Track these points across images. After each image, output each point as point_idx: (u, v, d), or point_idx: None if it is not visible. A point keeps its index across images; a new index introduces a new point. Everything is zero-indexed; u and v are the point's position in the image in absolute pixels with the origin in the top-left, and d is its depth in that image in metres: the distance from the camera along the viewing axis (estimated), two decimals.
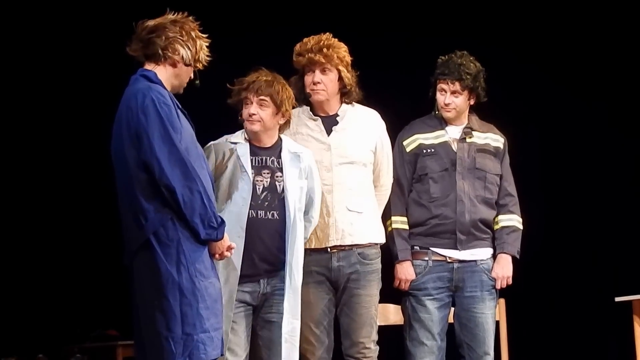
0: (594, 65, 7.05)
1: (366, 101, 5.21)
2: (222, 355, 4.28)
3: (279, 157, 4.88)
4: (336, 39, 5.09)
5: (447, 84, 5.21)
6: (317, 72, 5.05)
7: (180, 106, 4.28)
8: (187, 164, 4.12)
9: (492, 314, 5.27)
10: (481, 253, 5.27)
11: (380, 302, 5.16)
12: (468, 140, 5.27)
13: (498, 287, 5.27)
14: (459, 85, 5.20)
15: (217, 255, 4.28)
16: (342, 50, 5.08)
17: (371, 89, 5.21)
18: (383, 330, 5.23)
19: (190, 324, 4.09)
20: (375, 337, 5.09)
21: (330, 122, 5.12)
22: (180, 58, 4.30)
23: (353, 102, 5.17)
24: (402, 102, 6.18)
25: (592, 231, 7.10)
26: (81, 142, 6.91)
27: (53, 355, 6.42)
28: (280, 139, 4.92)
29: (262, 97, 4.82)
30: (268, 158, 4.87)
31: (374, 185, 5.18)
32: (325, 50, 5.02)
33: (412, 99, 5.64)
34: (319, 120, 5.12)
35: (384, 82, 6.49)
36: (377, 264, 5.11)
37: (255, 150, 4.87)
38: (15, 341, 6.55)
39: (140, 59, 4.30)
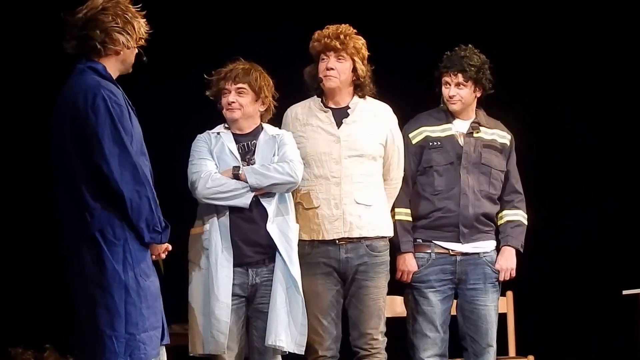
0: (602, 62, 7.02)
1: (379, 95, 5.21)
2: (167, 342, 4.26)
3: (257, 139, 4.90)
4: (355, 31, 5.09)
5: (450, 76, 5.22)
6: (332, 58, 5.04)
7: (130, 103, 4.17)
8: (138, 168, 4.04)
9: (495, 306, 5.28)
10: (484, 245, 5.27)
11: (387, 294, 5.16)
12: (475, 135, 5.28)
13: (502, 278, 5.28)
14: (462, 76, 5.20)
15: (153, 256, 4.25)
16: (360, 42, 5.07)
17: (384, 84, 5.21)
18: (390, 322, 5.24)
19: (133, 324, 4.06)
20: (383, 328, 5.09)
21: (340, 114, 5.11)
22: (121, 46, 4.13)
23: (366, 96, 5.15)
24: (416, 98, 6.13)
25: (599, 224, 7.08)
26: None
27: (59, 345, 6.40)
28: (261, 126, 4.94)
29: (239, 85, 4.84)
30: (250, 142, 4.90)
31: (383, 178, 5.17)
32: (342, 37, 5.02)
33: (426, 94, 5.60)
34: (330, 112, 5.11)
35: (399, 77, 6.48)
36: (385, 256, 5.11)
37: (236, 137, 4.91)
38: (22, 331, 6.53)
39: (81, 54, 4.14)
